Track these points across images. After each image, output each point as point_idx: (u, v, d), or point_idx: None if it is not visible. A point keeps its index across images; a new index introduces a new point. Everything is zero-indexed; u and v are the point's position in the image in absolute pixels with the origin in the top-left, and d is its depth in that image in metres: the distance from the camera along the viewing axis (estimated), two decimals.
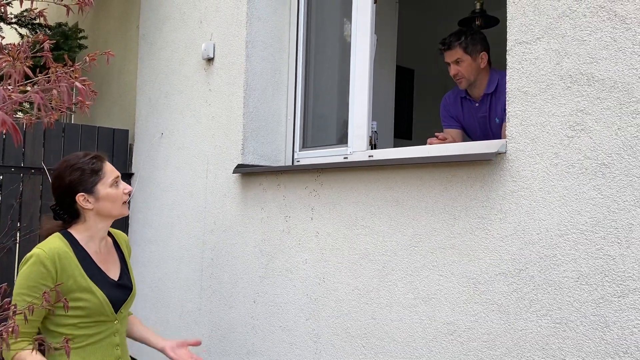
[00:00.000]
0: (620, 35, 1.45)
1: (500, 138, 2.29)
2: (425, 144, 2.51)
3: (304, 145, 2.91)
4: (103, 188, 1.83)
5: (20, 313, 1.12)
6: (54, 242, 1.78)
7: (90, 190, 1.82)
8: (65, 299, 1.57)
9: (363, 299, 2.13)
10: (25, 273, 1.72)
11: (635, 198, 1.41)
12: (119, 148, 3.85)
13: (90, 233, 1.87)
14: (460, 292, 1.79)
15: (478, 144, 1.94)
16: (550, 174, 1.57)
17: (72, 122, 4.66)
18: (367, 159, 2.37)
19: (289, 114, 2.95)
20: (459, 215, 1.81)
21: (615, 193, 1.44)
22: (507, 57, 1.70)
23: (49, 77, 0.93)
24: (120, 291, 1.91)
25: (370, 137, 2.49)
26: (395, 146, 3.11)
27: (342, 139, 2.67)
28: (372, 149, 2.48)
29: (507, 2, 1.71)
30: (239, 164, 2.80)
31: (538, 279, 1.59)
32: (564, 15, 1.56)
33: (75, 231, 1.87)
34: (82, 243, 1.85)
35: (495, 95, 2.65)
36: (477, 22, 3.95)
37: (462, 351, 1.78)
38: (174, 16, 3.49)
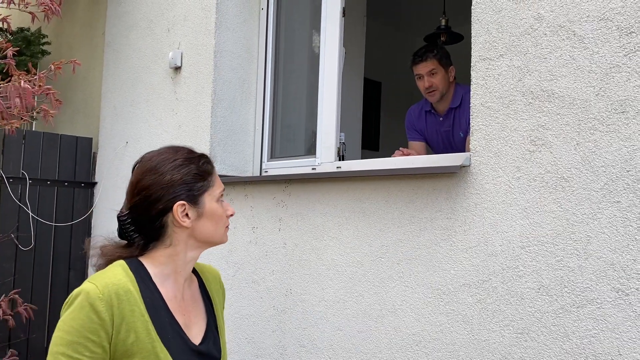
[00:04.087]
0: (579, 54, 1.50)
1: (464, 151, 2.33)
2: (392, 155, 2.54)
3: (272, 156, 2.91)
4: (210, 200, 1.29)
5: None
6: (114, 275, 1.19)
7: (194, 199, 1.27)
8: None
9: (330, 311, 2.13)
10: (67, 321, 1.14)
11: (592, 211, 1.45)
12: (82, 156, 3.77)
13: (174, 265, 1.27)
14: (426, 303, 1.81)
15: (443, 156, 1.97)
16: (513, 187, 1.61)
17: (34, 129, 4.53)
18: (335, 170, 2.39)
19: (257, 124, 2.94)
20: (424, 226, 1.84)
21: (574, 206, 1.49)
22: (472, 72, 1.74)
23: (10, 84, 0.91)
24: None
25: (339, 148, 2.50)
26: (362, 157, 3.13)
27: (311, 150, 2.68)
28: (340, 160, 2.50)
29: (472, 20, 1.75)
30: None
31: (501, 290, 1.62)
32: (526, 33, 1.62)
33: (150, 261, 1.26)
34: (156, 280, 1.25)
35: (460, 110, 2.69)
36: (442, 38, 4.03)
37: None
38: (140, 24, 3.45)
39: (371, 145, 4.91)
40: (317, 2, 2.65)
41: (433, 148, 2.91)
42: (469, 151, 1.76)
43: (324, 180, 2.22)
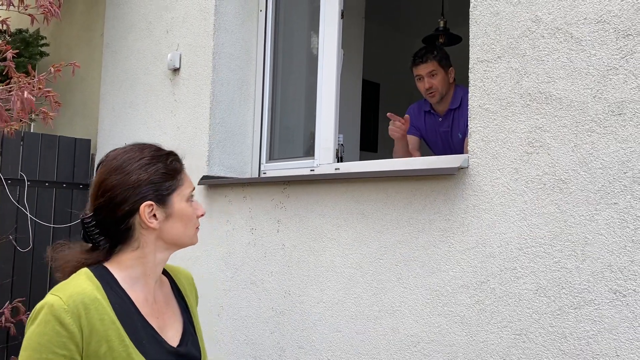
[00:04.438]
0: (576, 56, 1.51)
1: (462, 153, 2.34)
2: (390, 157, 2.55)
3: (271, 157, 2.91)
4: (179, 200, 1.24)
5: None
6: (78, 284, 1.13)
7: (162, 199, 1.21)
8: None
9: (328, 312, 2.13)
10: (33, 338, 1.07)
11: (590, 213, 1.46)
12: (80, 158, 3.77)
13: (143, 268, 1.22)
14: (424, 305, 1.82)
15: (441, 158, 1.98)
16: (511, 188, 1.62)
17: (32, 130, 4.54)
18: (333, 171, 2.39)
19: (256, 125, 2.95)
20: (422, 228, 1.84)
21: (572, 208, 1.49)
22: (470, 74, 1.74)
23: (10, 87, 0.91)
24: None
25: (337, 149, 2.51)
26: (361, 159, 3.14)
27: (309, 151, 2.69)
28: (338, 161, 2.50)
29: (470, 21, 1.76)
30: (204, 175, 2.78)
31: (499, 291, 1.63)
32: (524, 35, 1.62)
33: (117, 265, 1.20)
34: (124, 284, 1.19)
35: (459, 111, 2.70)
36: (440, 40, 4.04)
37: None
38: (139, 25, 3.46)
39: (369, 146, 4.92)
40: (316, 4, 2.66)
41: (432, 149, 2.91)
42: (467, 153, 1.77)
43: (323, 182, 2.22)
